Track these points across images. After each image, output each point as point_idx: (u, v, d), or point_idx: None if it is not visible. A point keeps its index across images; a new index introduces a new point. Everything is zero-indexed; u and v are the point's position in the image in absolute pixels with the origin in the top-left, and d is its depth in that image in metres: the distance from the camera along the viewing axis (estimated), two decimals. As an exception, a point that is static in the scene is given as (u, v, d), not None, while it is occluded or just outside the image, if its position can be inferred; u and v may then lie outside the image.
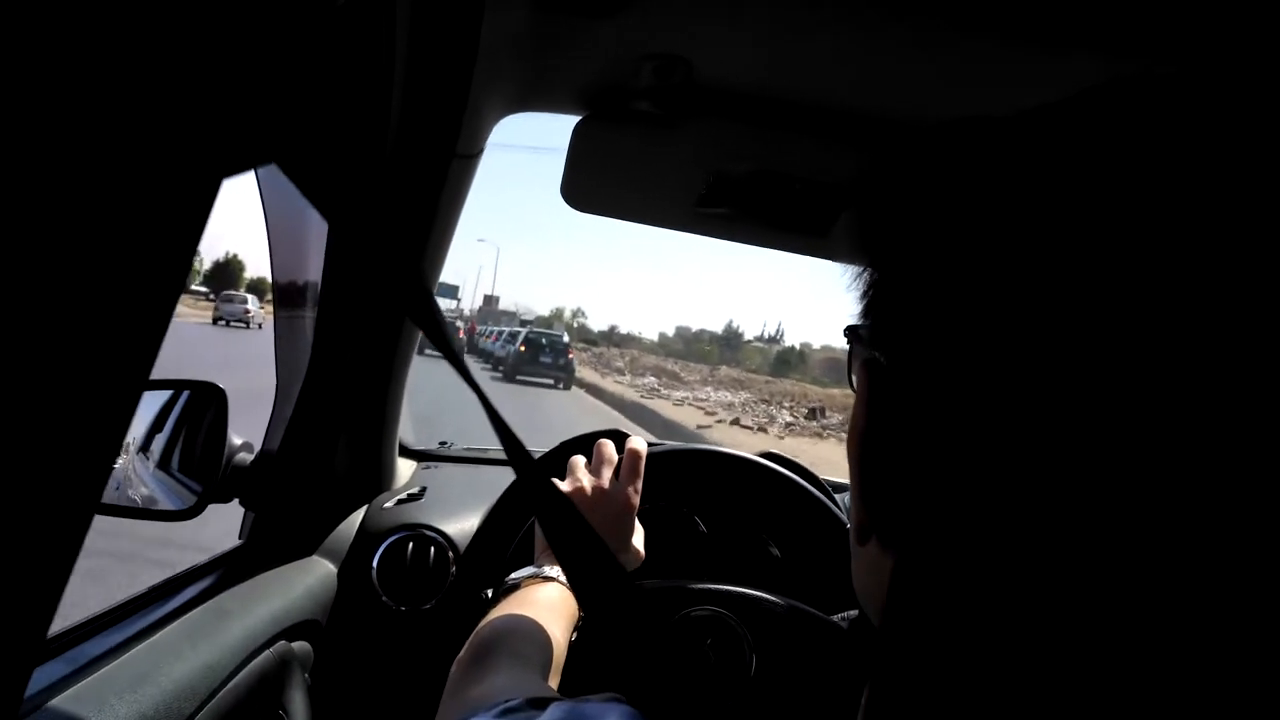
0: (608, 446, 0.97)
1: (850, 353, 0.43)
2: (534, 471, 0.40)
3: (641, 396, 24.35)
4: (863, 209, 0.40)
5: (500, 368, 29.04)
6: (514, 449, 0.39)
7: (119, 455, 1.04)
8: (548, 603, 0.82)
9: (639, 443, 0.97)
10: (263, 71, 0.26)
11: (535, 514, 0.43)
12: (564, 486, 0.93)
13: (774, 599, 1.02)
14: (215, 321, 34.39)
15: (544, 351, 27.17)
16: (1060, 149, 0.31)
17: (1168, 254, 0.26)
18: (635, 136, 0.92)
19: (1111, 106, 0.31)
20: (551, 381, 27.24)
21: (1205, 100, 0.29)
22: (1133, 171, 0.28)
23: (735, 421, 18.99)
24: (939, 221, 0.34)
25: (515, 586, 0.86)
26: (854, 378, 0.42)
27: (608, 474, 0.95)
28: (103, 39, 0.21)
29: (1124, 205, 0.28)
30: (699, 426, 17.78)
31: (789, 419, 22.12)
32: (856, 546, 0.40)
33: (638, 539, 0.94)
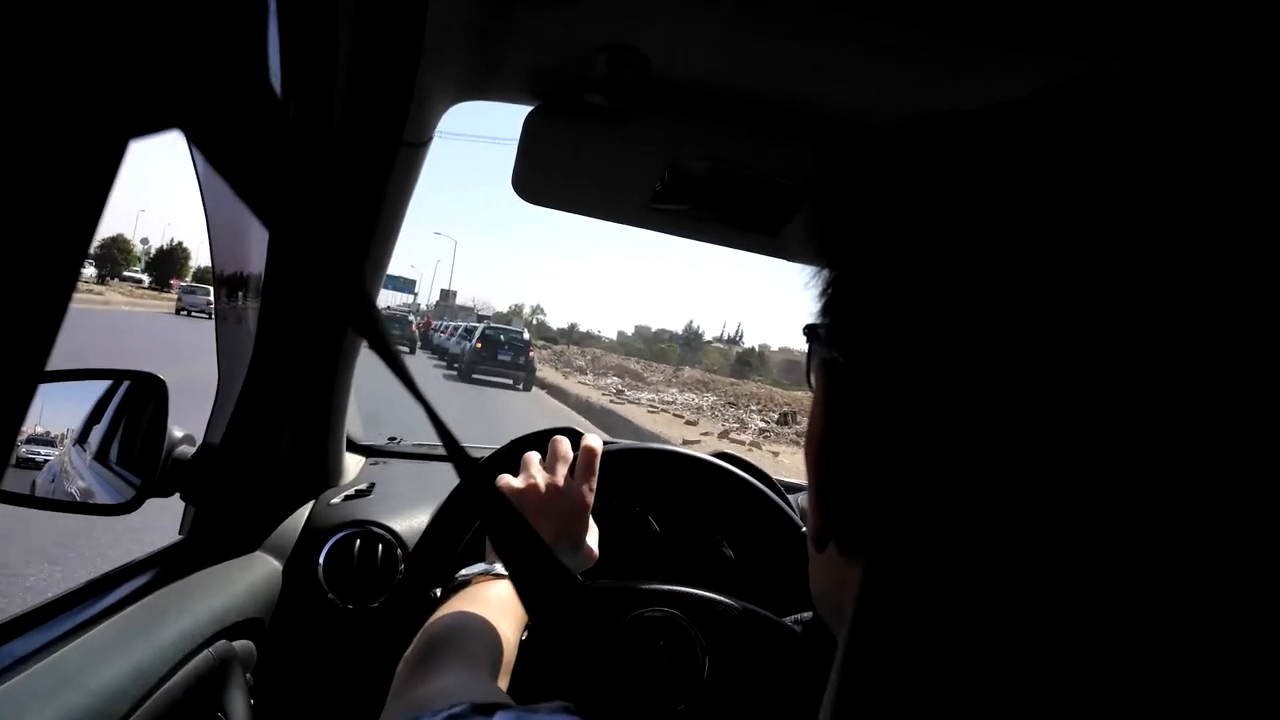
0: (563, 443, 0.96)
1: (809, 353, 0.43)
2: (476, 473, 0.39)
3: (610, 401, 22.61)
4: (820, 205, 0.39)
5: (455, 365, 27.46)
6: (455, 450, 0.37)
7: (11, 453, 1.01)
8: (498, 601, 0.81)
9: (595, 440, 0.96)
10: (184, 35, 0.24)
11: (479, 516, 0.42)
12: (517, 483, 0.92)
13: (728, 600, 1.02)
14: (178, 312, 37.02)
15: (502, 349, 25.37)
16: (1022, 145, 0.31)
17: (1128, 249, 0.26)
18: (588, 129, 0.90)
19: (1071, 103, 0.31)
20: (510, 381, 25.43)
21: (1165, 95, 0.29)
22: (1092, 168, 0.28)
23: (725, 435, 16.69)
24: (897, 217, 0.33)
25: (465, 583, 0.84)
26: (812, 378, 0.41)
27: (562, 471, 0.93)
28: None
29: (1084, 201, 0.27)
30: (686, 442, 15.79)
31: (761, 424, 21.32)
32: (814, 552, 0.39)
33: (592, 538, 0.93)
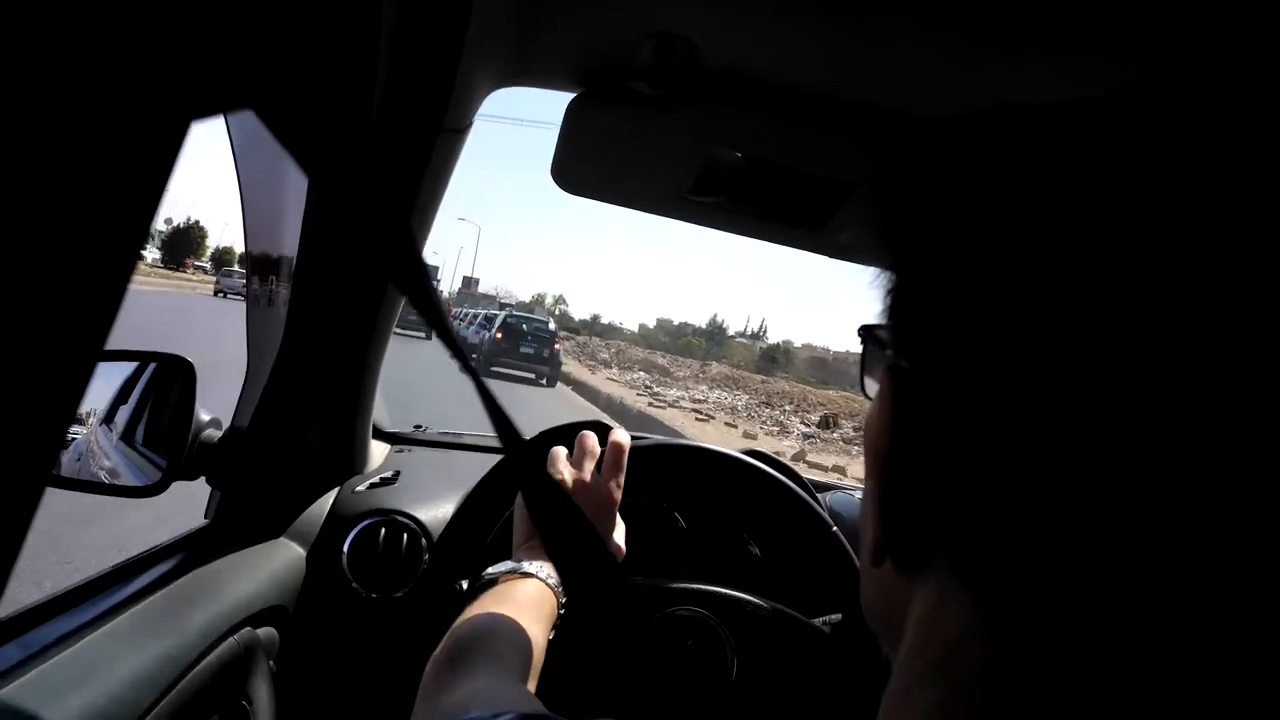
0: (590, 438, 0.95)
1: (864, 354, 0.41)
2: (525, 452, 0.37)
3: (649, 404, 20.73)
4: (888, 203, 0.37)
5: (473, 356, 24.34)
6: (502, 424, 0.36)
7: (69, 429, 1.01)
8: (527, 601, 0.79)
9: (622, 435, 0.94)
10: (242, 19, 0.23)
11: (525, 498, 0.40)
12: None
13: (759, 602, 1.00)
14: (216, 294, 39.52)
15: (525, 340, 22.74)
16: (1101, 143, 0.29)
17: (1216, 256, 0.25)
18: (631, 117, 0.88)
19: (1153, 100, 0.29)
20: (533, 376, 22.66)
21: (1254, 94, 0.27)
22: (1179, 168, 0.26)
23: (800, 457, 13.71)
24: (976, 216, 0.31)
25: (493, 582, 0.83)
26: (867, 382, 0.40)
27: (589, 467, 0.92)
28: None
29: (1170, 202, 0.26)
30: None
31: (804, 428, 20.50)
32: (869, 567, 0.37)
33: (619, 535, 0.92)
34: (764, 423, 21.31)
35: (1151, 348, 0.25)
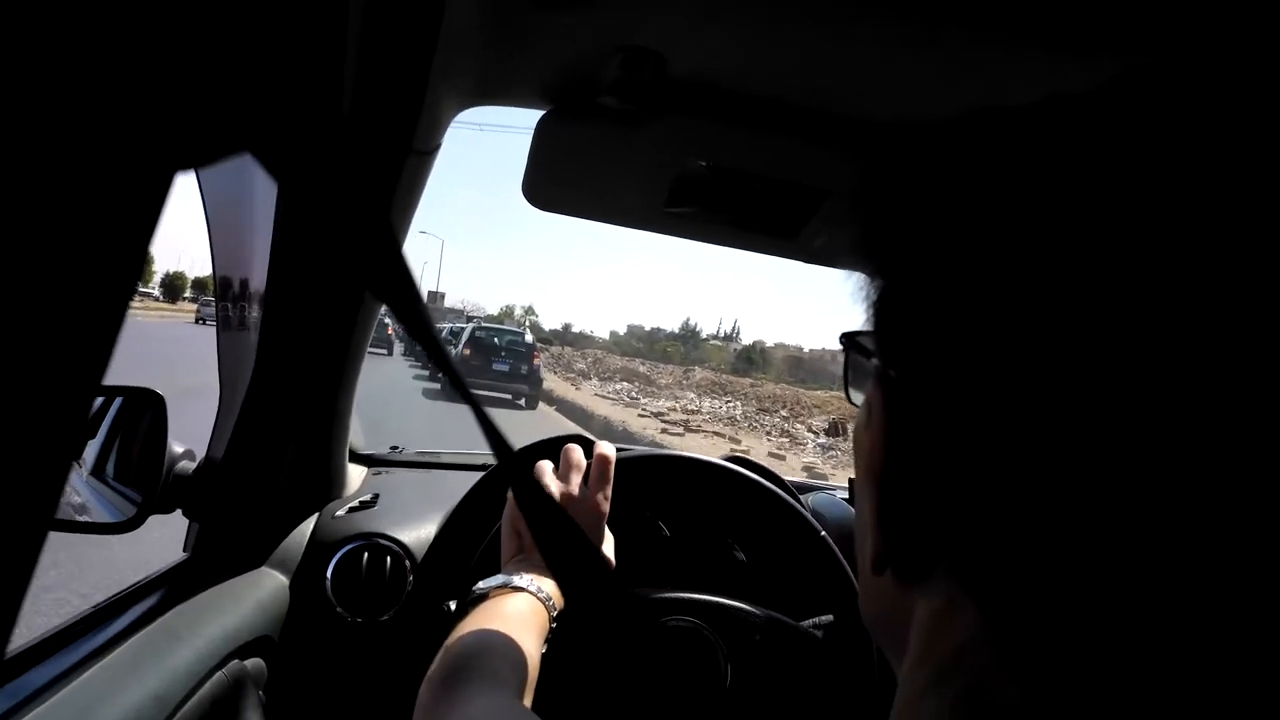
0: (575, 451, 0.94)
1: (847, 361, 0.41)
2: (518, 463, 0.36)
3: (662, 428, 17.73)
4: (869, 210, 0.37)
5: (439, 377, 18.94)
6: (494, 438, 0.35)
7: (71, 466, 0.98)
8: (518, 615, 0.79)
9: (607, 448, 0.94)
10: (215, 55, 0.23)
11: (522, 509, 0.40)
12: None
13: (751, 609, 1.01)
14: (197, 321, 43.18)
15: (498, 356, 19.40)
16: (1079, 143, 0.29)
17: (1207, 256, 0.25)
18: (602, 133, 0.88)
19: (1140, 99, 0.29)
20: (509, 397, 19.31)
21: (1238, 90, 0.27)
22: (1168, 167, 0.26)
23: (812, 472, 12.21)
24: (954, 224, 0.31)
25: (483, 597, 0.82)
26: (852, 390, 0.40)
27: (576, 480, 0.92)
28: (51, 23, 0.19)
29: (1161, 203, 0.26)
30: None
31: (822, 440, 19.04)
32: (870, 575, 0.37)
33: (608, 547, 0.91)
34: (769, 433, 20.13)
35: (1140, 348, 0.25)
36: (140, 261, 0.23)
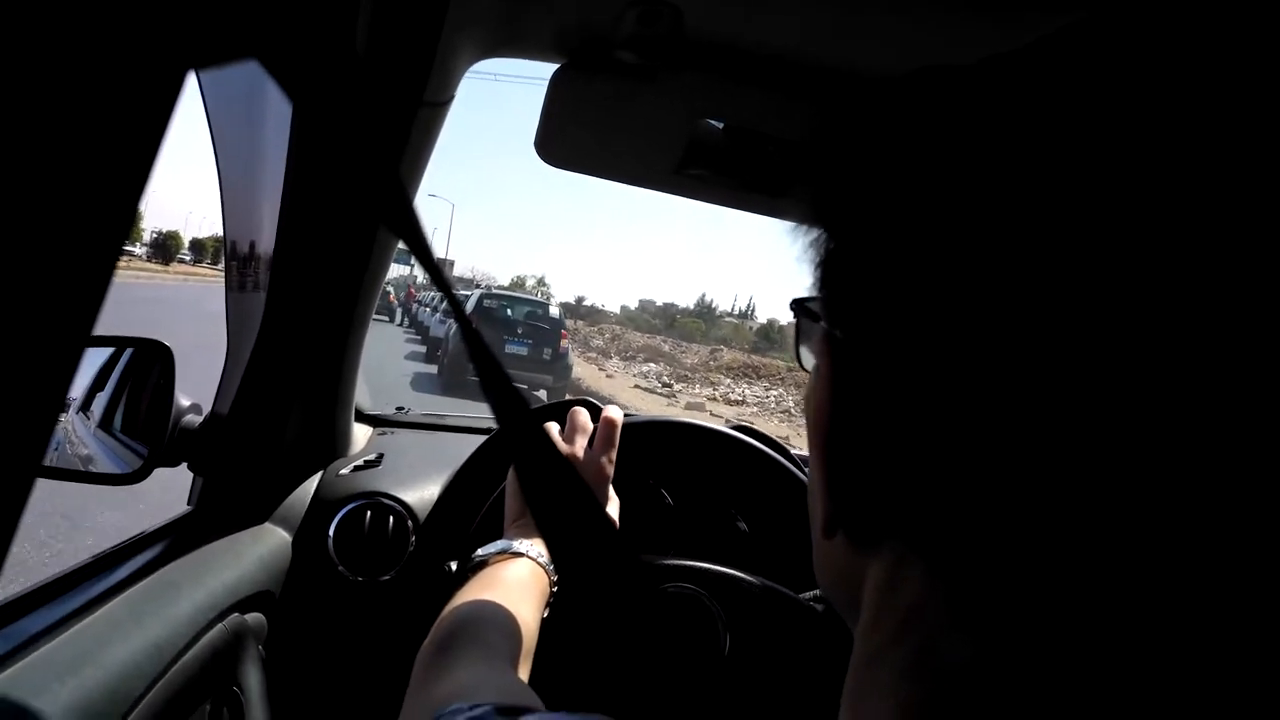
0: (582, 414, 0.94)
1: (798, 328, 0.40)
2: (524, 422, 0.36)
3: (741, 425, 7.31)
4: (816, 166, 0.36)
5: (437, 356, 15.67)
6: (502, 397, 0.34)
7: (60, 415, 0.99)
8: (518, 582, 0.79)
9: (615, 411, 0.94)
10: None
11: (519, 470, 0.39)
12: None
13: (750, 579, 1.00)
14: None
15: (512, 334, 14.46)
16: (1032, 97, 0.28)
17: (1148, 214, 0.24)
18: (616, 88, 0.87)
19: (1086, 50, 0.28)
20: (526, 389, 12.72)
21: (1179, 40, 0.26)
22: (1116, 121, 0.26)
23: None
24: (902, 178, 0.31)
25: (483, 563, 0.82)
26: (804, 354, 0.39)
27: (581, 442, 0.91)
28: None
29: (1107, 159, 0.25)
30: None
31: None
32: (821, 539, 0.37)
33: (612, 509, 0.91)
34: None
35: (1077, 304, 0.25)
36: (132, 212, 0.22)
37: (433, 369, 15.28)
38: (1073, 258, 0.25)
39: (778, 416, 18.25)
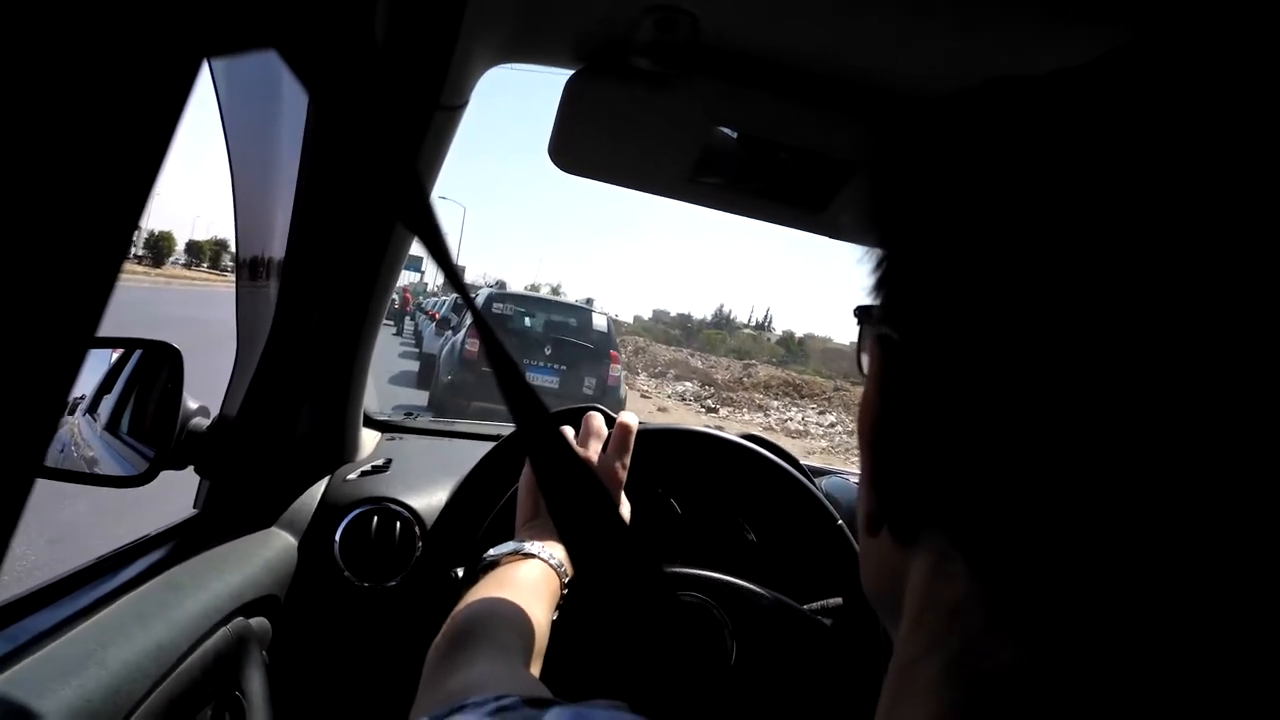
0: (597, 419, 0.94)
1: (860, 334, 0.41)
2: (542, 422, 0.36)
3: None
4: (878, 177, 0.38)
5: (428, 382, 11.21)
6: (518, 395, 0.34)
7: (61, 416, 0.98)
8: (529, 583, 0.78)
9: (630, 418, 0.93)
10: None
11: (536, 469, 0.39)
12: None
13: (760, 591, 1.00)
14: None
15: (538, 355, 9.94)
16: (1095, 113, 0.28)
17: (1215, 230, 0.24)
18: (631, 95, 0.87)
19: (1143, 67, 0.28)
20: None
21: (1246, 59, 0.26)
22: (1177, 137, 0.26)
23: None
24: (959, 188, 0.31)
25: (494, 564, 0.82)
26: (863, 359, 0.39)
27: (596, 447, 0.91)
28: None
29: (1167, 174, 0.25)
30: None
31: None
32: (867, 538, 0.37)
33: (625, 516, 0.90)
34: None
35: (1127, 316, 0.25)
36: (138, 212, 0.22)
37: (423, 397, 10.78)
38: (1131, 272, 0.25)
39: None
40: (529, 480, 0.91)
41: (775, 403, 22.37)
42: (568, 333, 10.33)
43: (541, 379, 9.73)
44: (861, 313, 0.39)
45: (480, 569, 0.82)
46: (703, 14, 0.77)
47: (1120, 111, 0.27)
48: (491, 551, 0.83)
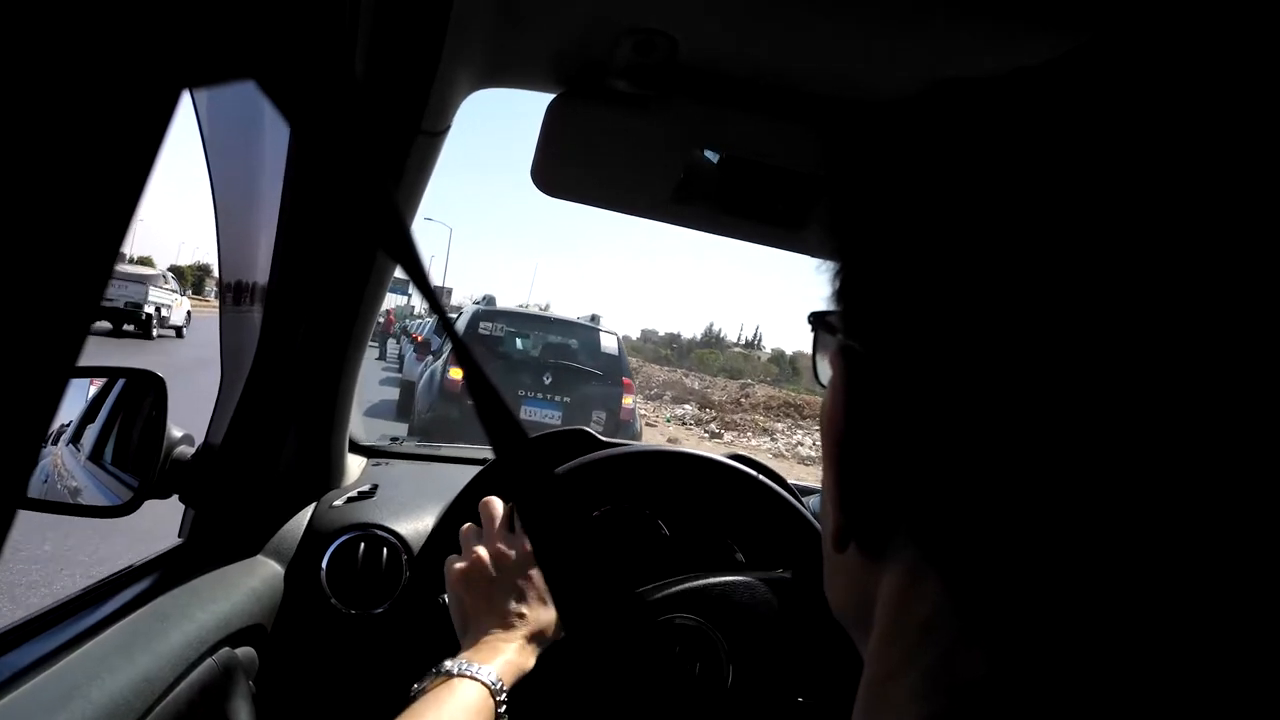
0: (494, 505, 0.94)
1: (816, 342, 0.41)
2: (524, 448, 0.35)
3: None
4: (832, 185, 0.37)
5: (409, 414, 9.63)
6: (499, 424, 0.34)
7: (43, 446, 0.98)
8: (458, 711, 0.74)
9: (496, 502, 0.94)
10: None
11: (517, 502, 0.38)
12: (462, 564, 0.88)
13: (745, 579, 0.99)
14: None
15: (533, 384, 8.37)
16: (1046, 114, 0.28)
17: (1173, 233, 0.24)
18: (612, 117, 0.87)
19: (1095, 68, 0.28)
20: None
21: (1204, 58, 0.26)
22: (1139, 139, 0.26)
23: None
24: (914, 193, 0.31)
25: (421, 692, 0.76)
26: (819, 369, 0.39)
27: (503, 532, 0.91)
28: None
29: (1128, 176, 0.25)
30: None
31: None
32: (832, 554, 0.37)
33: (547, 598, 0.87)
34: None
35: (1088, 317, 0.25)
36: (121, 233, 0.22)
37: (403, 429, 9.00)
38: (1095, 279, 0.25)
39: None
40: (452, 581, 0.89)
41: (779, 425, 21.60)
42: (570, 356, 8.73)
43: (541, 414, 8.30)
44: (815, 319, 0.39)
45: (410, 697, 0.77)
46: (681, 36, 0.78)
47: (1080, 112, 0.27)
48: (415, 687, 0.78)
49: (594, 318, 9.50)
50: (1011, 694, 0.27)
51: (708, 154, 0.93)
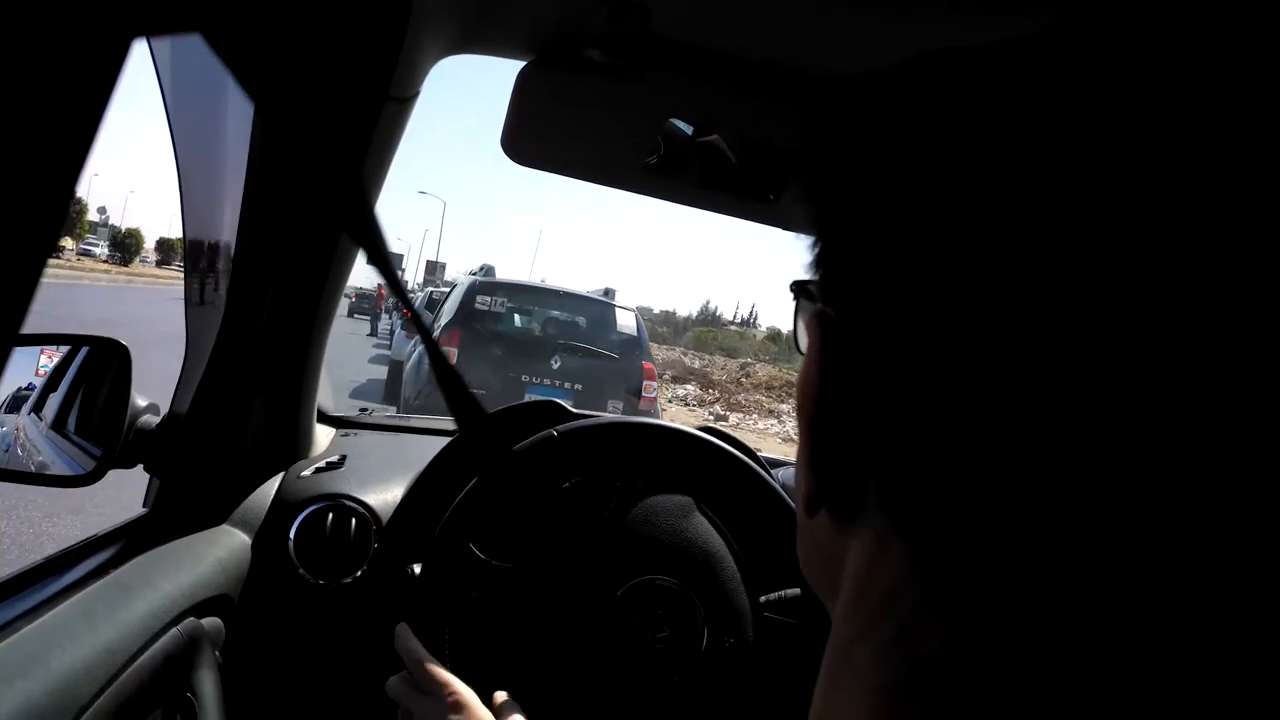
0: (409, 643, 0.85)
1: (796, 310, 0.41)
2: (483, 422, 0.35)
3: None
4: (808, 151, 0.37)
5: (404, 396, 7.49)
6: (461, 401, 0.34)
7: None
8: None
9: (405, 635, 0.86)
10: None
11: (478, 473, 0.38)
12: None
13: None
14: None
15: (538, 365, 7.06)
16: (1026, 83, 0.28)
17: (1151, 206, 0.24)
18: (584, 87, 0.86)
19: (1076, 41, 0.28)
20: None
21: (1186, 27, 0.26)
22: (1099, 112, 0.26)
23: None
24: (890, 159, 0.31)
25: None
26: (799, 336, 0.40)
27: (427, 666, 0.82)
28: None
29: (1090, 143, 0.25)
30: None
31: None
32: (804, 519, 0.37)
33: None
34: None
35: (1058, 288, 0.25)
36: (66, 202, 0.21)
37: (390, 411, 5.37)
38: (1066, 247, 0.25)
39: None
40: (395, 694, 0.84)
41: (784, 406, 20.74)
42: (582, 337, 7.63)
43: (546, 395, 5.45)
44: (797, 288, 0.39)
45: None
46: (655, 6, 0.77)
47: (1059, 84, 0.27)
48: None
49: (608, 291, 8.39)
50: (963, 664, 0.27)
51: (681, 126, 0.93)
